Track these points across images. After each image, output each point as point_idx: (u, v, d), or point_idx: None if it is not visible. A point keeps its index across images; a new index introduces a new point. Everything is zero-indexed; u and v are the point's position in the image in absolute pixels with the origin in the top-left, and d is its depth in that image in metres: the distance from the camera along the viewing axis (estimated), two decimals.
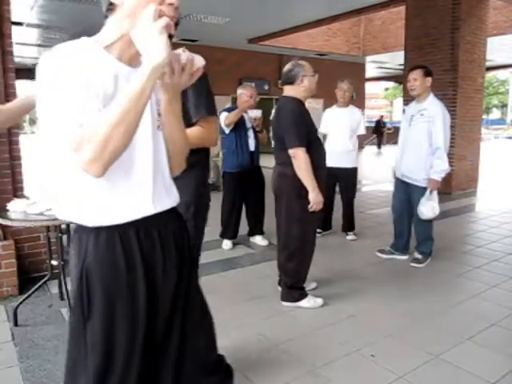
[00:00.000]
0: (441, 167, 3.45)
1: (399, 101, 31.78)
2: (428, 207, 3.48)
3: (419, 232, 3.75)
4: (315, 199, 2.68)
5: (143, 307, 1.13)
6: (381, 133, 17.84)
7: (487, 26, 7.47)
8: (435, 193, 3.52)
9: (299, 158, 2.67)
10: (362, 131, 4.58)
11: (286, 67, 2.85)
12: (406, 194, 3.71)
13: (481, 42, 7.29)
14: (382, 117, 20.25)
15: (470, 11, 6.97)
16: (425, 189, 3.52)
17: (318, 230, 4.54)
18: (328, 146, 4.50)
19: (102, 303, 1.11)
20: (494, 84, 33.29)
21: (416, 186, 3.58)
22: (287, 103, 2.81)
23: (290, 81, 2.79)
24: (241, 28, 10.27)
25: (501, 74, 32.15)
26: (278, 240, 2.97)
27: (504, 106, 37.99)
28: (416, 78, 3.52)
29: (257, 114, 4.04)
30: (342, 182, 4.47)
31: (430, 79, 3.53)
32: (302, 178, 2.68)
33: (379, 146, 17.76)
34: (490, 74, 27.28)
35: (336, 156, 4.37)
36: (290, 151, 2.68)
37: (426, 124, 3.48)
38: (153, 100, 1.13)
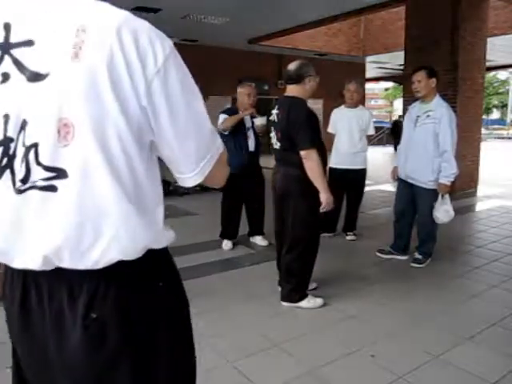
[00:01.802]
0: (449, 171, 3.42)
1: (399, 101, 31.76)
2: (442, 212, 3.47)
3: (423, 232, 3.73)
4: (327, 200, 2.71)
5: None
6: (398, 134, 17.64)
7: (487, 25, 7.47)
8: (447, 196, 3.51)
9: (312, 160, 2.66)
10: (371, 132, 4.56)
11: (293, 66, 2.79)
12: (410, 195, 3.69)
13: (481, 42, 7.29)
14: (400, 117, 20.18)
15: (470, 11, 6.97)
16: (429, 190, 3.51)
17: (322, 233, 4.55)
18: (336, 147, 4.51)
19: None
20: (494, 84, 33.25)
21: (420, 187, 3.57)
22: (297, 104, 2.76)
23: (297, 80, 2.76)
24: (241, 28, 10.27)
25: (501, 74, 32.15)
26: (283, 241, 2.96)
27: (504, 106, 37.96)
28: (420, 80, 3.48)
29: (262, 121, 4.01)
30: (350, 183, 4.42)
31: (434, 80, 3.49)
32: (314, 179, 2.68)
33: (396, 147, 17.58)
34: (490, 74, 27.27)
35: (344, 157, 4.37)
36: (303, 152, 2.66)
37: (432, 125, 3.44)
38: None
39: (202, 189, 7.24)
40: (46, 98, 0.70)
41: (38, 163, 0.72)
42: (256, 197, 4.18)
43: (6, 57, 0.71)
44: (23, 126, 0.71)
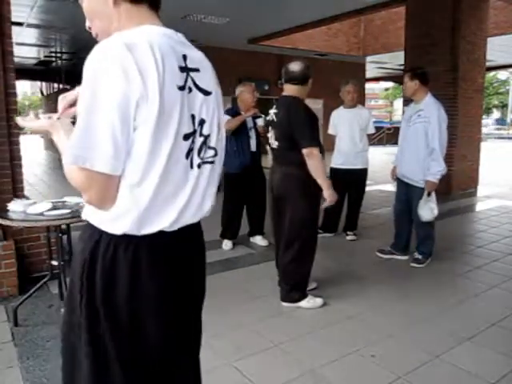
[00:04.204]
0: (436, 168, 3.43)
1: (399, 101, 31.77)
2: (426, 209, 3.47)
3: (420, 232, 3.74)
4: (332, 197, 2.74)
5: None
6: None
7: (487, 26, 7.47)
8: (433, 194, 3.50)
9: (314, 158, 2.67)
10: (372, 130, 4.56)
11: (297, 66, 2.79)
12: (406, 194, 3.71)
13: (481, 42, 7.29)
14: None
15: (470, 11, 6.97)
16: (423, 189, 3.51)
17: (323, 233, 4.54)
18: (338, 147, 4.52)
19: None
20: (494, 84, 33.22)
21: (415, 186, 3.58)
22: (298, 103, 2.78)
23: (303, 81, 2.78)
24: (241, 28, 10.26)
25: (501, 74, 32.12)
26: (279, 241, 2.97)
27: (504, 106, 37.94)
28: (404, 82, 3.64)
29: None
30: (352, 183, 4.43)
31: (417, 82, 3.53)
32: (318, 177, 2.70)
33: None
34: (490, 74, 27.26)
35: (347, 157, 4.38)
36: (305, 150, 2.67)
37: (422, 124, 3.48)
38: None
39: None
40: (213, 107, 1.14)
41: (209, 147, 1.14)
42: (257, 196, 4.18)
43: (188, 77, 1.07)
44: (201, 123, 1.10)
